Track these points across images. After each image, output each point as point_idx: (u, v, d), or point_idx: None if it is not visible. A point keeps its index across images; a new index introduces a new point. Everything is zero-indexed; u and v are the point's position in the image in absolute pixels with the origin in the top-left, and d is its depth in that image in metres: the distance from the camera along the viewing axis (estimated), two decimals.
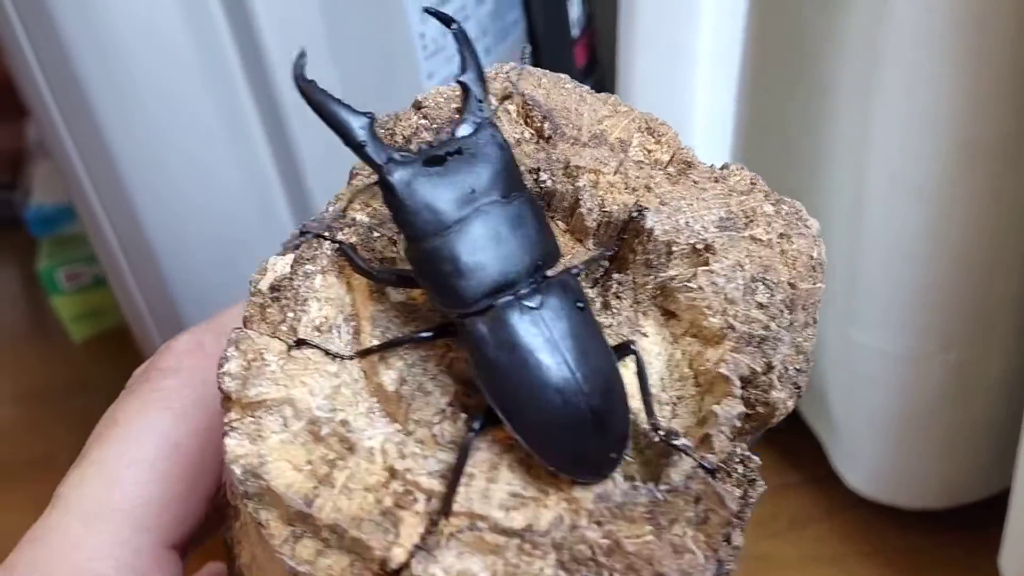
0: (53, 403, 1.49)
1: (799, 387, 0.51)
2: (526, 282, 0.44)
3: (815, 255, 0.54)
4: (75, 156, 0.86)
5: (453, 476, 0.43)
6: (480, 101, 0.45)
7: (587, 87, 0.58)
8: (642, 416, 0.48)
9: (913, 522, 1.19)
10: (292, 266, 0.48)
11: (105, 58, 0.83)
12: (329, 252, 0.49)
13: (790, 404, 0.51)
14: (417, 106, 0.54)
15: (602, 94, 0.58)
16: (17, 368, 1.62)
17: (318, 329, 0.47)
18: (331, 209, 0.51)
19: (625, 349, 0.47)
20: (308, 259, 0.49)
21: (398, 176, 0.43)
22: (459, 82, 0.46)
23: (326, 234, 0.49)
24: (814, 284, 0.53)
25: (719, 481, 0.45)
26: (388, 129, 0.54)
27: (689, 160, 0.55)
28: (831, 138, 1.06)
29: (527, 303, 0.44)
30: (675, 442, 0.46)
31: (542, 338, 0.43)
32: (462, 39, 0.46)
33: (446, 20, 0.47)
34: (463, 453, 0.43)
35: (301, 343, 0.46)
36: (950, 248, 0.99)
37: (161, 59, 0.85)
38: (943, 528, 1.18)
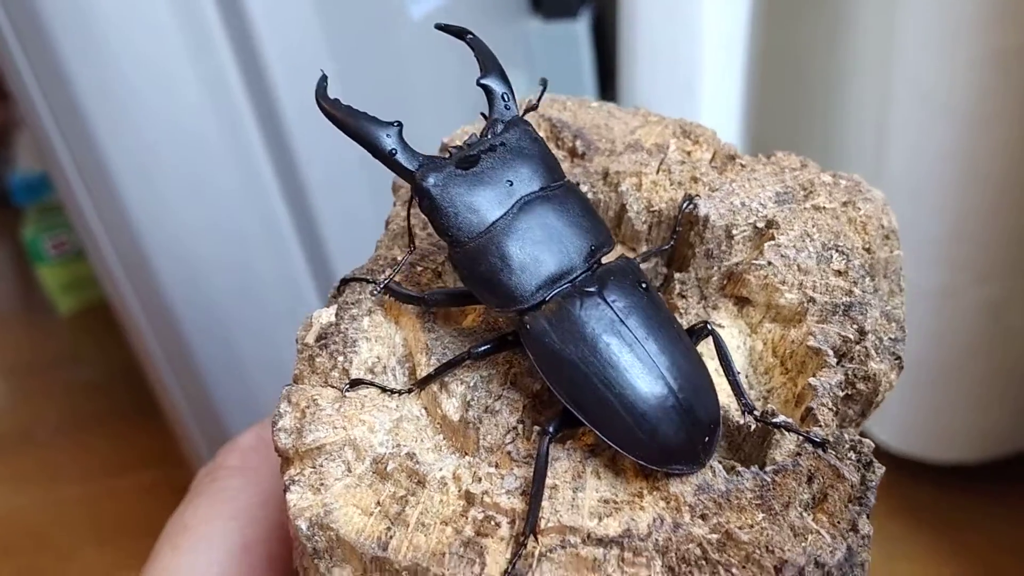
0: (40, 376, 1.48)
1: (899, 358, 0.47)
2: (582, 269, 0.41)
3: (885, 223, 0.50)
4: (52, 128, 0.84)
5: (535, 489, 0.39)
6: (506, 100, 0.44)
7: (613, 104, 0.56)
8: (732, 409, 0.44)
9: (946, 478, 1.08)
10: (337, 314, 0.46)
11: (85, 27, 0.77)
12: (374, 294, 0.47)
13: (893, 377, 0.46)
14: (444, 148, 0.53)
15: (630, 107, 0.56)
16: (3, 342, 1.61)
17: (371, 371, 0.45)
18: (372, 255, 0.49)
19: (700, 332, 0.43)
20: (353, 303, 0.47)
21: (432, 180, 0.41)
22: (481, 85, 0.45)
23: (368, 277, 0.47)
24: (891, 252, 0.49)
25: (831, 454, 0.40)
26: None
27: (732, 154, 0.53)
28: (851, 55, 0.95)
29: (586, 288, 0.41)
30: (774, 420, 0.41)
31: (606, 321, 0.40)
32: (477, 45, 0.45)
33: (459, 32, 0.46)
34: (542, 461, 0.39)
35: (355, 383, 0.44)
36: (983, 170, 0.89)
37: (141, 30, 0.79)
38: (978, 483, 1.07)
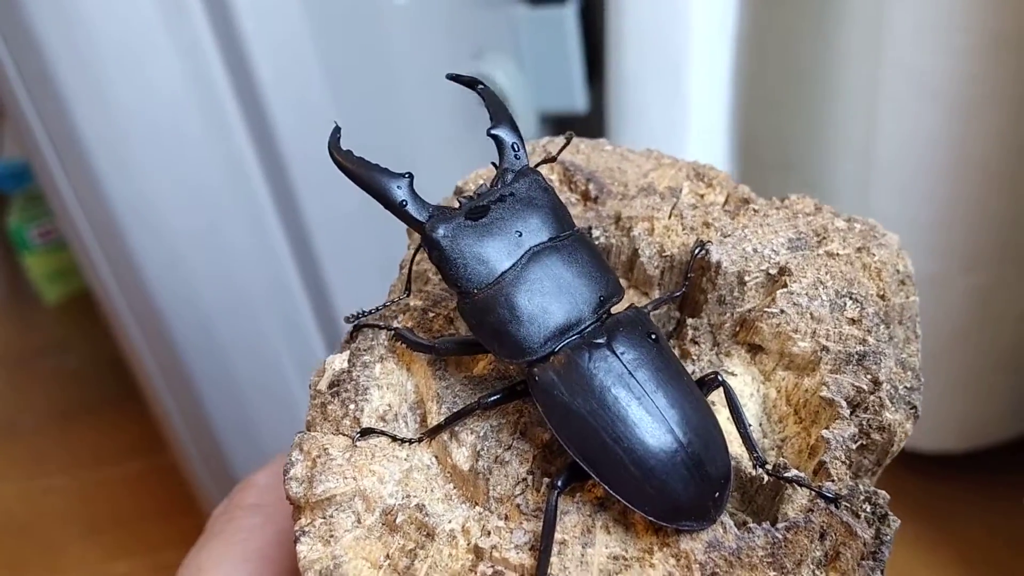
0: (26, 365, 1.47)
1: (915, 407, 0.46)
2: (590, 320, 0.41)
3: (900, 268, 0.50)
4: (32, 113, 0.82)
5: (543, 545, 0.39)
6: (516, 149, 0.44)
7: (626, 147, 0.56)
8: (744, 460, 0.43)
9: (932, 467, 1.05)
10: (349, 360, 0.47)
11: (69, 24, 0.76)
12: (386, 341, 0.47)
13: (908, 427, 0.46)
14: (458, 192, 0.53)
15: (643, 149, 0.56)
16: None
17: (383, 418, 0.45)
18: (385, 301, 0.49)
19: (711, 383, 0.43)
20: (365, 350, 0.47)
21: (442, 231, 0.42)
22: (491, 135, 0.45)
23: (381, 323, 0.48)
24: (907, 298, 0.49)
25: (843, 510, 0.40)
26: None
27: (746, 197, 0.53)
28: (840, 41, 0.93)
29: (595, 340, 0.41)
30: (786, 474, 0.41)
31: (615, 374, 0.40)
32: (488, 95, 0.45)
33: (471, 83, 0.46)
34: (551, 516, 0.39)
35: (366, 432, 0.44)
36: (972, 157, 0.87)
37: (123, 20, 0.78)
38: (964, 473, 1.06)
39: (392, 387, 0.46)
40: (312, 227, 0.90)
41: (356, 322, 0.48)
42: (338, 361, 0.47)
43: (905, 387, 0.46)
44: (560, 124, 1.28)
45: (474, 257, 0.41)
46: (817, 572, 0.39)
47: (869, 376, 0.44)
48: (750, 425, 0.42)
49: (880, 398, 0.44)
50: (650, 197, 0.52)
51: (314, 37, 0.84)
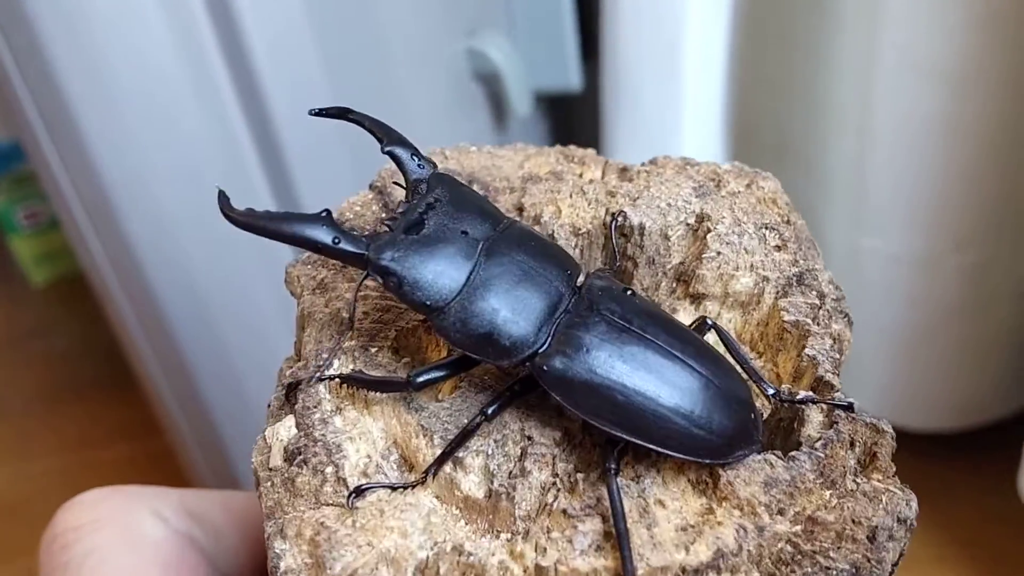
0: (14, 348, 1.44)
1: (847, 315, 0.48)
2: (569, 294, 0.39)
3: (783, 195, 0.52)
4: (25, 95, 0.80)
5: (620, 531, 0.35)
6: (416, 159, 0.41)
7: (489, 146, 0.54)
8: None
9: (923, 447, 1.05)
10: (298, 424, 0.40)
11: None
12: (330, 391, 0.41)
13: (849, 335, 0.48)
14: (371, 187, 0.49)
15: (506, 145, 0.55)
16: None
17: (364, 474, 0.39)
18: (310, 349, 0.43)
19: (700, 329, 0.42)
20: (313, 407, 0.40)
21: (389, 256, 0.37)
22: (387, 152, 0.41)
23: (320, 375, 0.41)
24: (797, 220, 0.51)
25: (863, 414, 0.40)
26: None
27: (623, 166, 0.53)
28: (836, 17, 0.88)
29: (581, 311, 0.38)
30: (800, 397, 0.41)
31: (618, 333, 0.38)
32: (362, 120, 0.42)
33: (340, 114, 0.42)
34: (618, 502, 0.36)
35: (360, 492, 0.37)
36: (967, 135, 0.86)
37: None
38: (956, 452, 1.07)
39: (363, 436, 0.40)
40: (307, 208, 0.82)
41: (289, 383, 0.41)
42: (283, 429, 0.40)
43: (834, 299, 0.48)
44: (554, 102, 1.23)
45: (433, 270, 0.38)
46: (857, 480, 0.39)
47: (814, 292, 0.45)
48: (752, 358, 0.41)
49: (828, 311, 0.45)
50: (541, 183, 0.50)
51: (309, 14, 0.83)
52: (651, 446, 0.37)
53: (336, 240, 0.37)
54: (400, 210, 0.39)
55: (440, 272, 0.37)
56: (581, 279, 0.41)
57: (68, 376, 1.38)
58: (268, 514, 0.38)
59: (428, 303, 0.37)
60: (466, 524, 0.38)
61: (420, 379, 0.38)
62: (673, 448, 0.37)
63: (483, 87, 1.07)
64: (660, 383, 0.37)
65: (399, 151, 0.41)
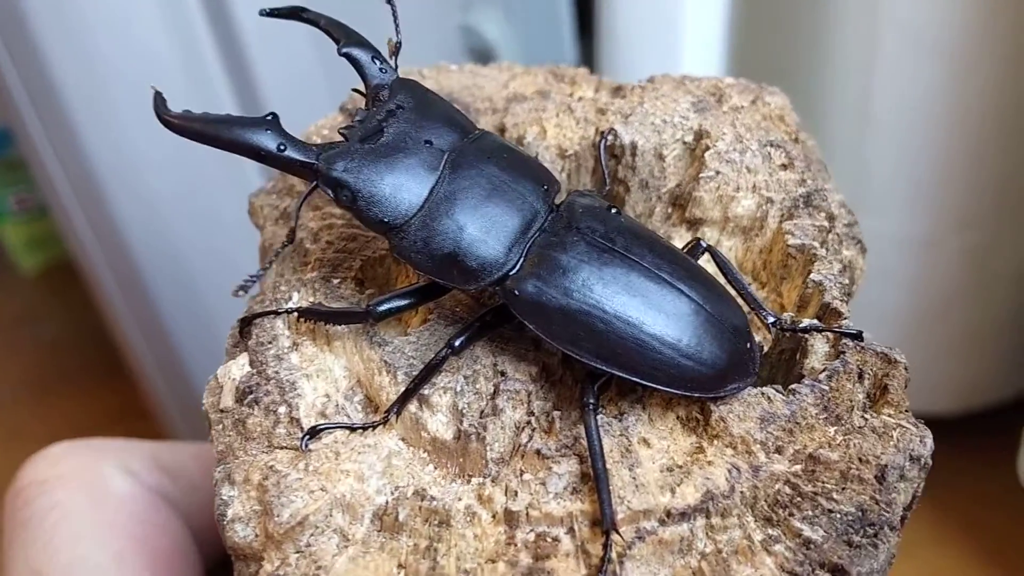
0: (3, 335, 1.43)
1: (859, 242, 0.44)
2: (545, 210, 0.35)
3: (795, 115, 0.48)
4: (15, 81, 0.79)
5: (598, 472, 0.32)
6: (378, 62, 0.37)
7: (471, 64, 0.50)
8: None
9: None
10: (252, 362, 0.37)
11: None
12: (288, 328, 0.38)
13: (862, 263, 0.44)
14: (342, 108, 0.45)
15: (491, 64, 0.51)
16: None
17: (323, 414, 0.36)
18: (268, 280, 0.40)
19: (693, 252, 0.38)
20: (268, 342, 0.37)
21: (341, 165, 0.34)
22: (344, 54, 0.37)
23: (275, 308, 0.38)
24: (808, 141, 0.47)
25: (872, 344, 0.36)
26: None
27: (617, 85, 0.48)
28: None
29: (559, 229, 0.34)
30: (802, 326, 0.37)
31: (598, 252, 0.34)
32: (317, 18, 0.38)
33: (293, 13, 0.38)
34: (596, 440, 0.32)
35: (314, 431, 0.34)
36: (969, 113, 0.84)
37: None
38: (957, 435, 0.98)
39: (322, 374, 0.36)
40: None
41: (243, 318, 0.38)
42: (236, 368, 0.37)
43: (845, 224, 0.44)
44: None
45: (391, 183, 0.34)
46: (866, 416, 0.35)
47: (823, 213, 0.41)
48: (750, 283, 0.37)
49: (838, 235, 0.41)
50: (525, 103, 0.46)
51: None
52: (634, 378, 0.33)
53: (282, 147, 0.33)
54: (358, 117, 0.36)
55: (399, 185, 0.34)
56: (562, 197, 0.37)
57: (57, 364, 1.36)
58: (219, 459, 0.35)
59: (385, 220, 0.34)
60: (435, 468, 0.35)
61: (381, 308, 0.35)
62: (659, 381, 0.33)
63: (477, 63, 1.06)
64: (645, 308, 0.33)
65: (358, 52, 0.37)
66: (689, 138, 0.43)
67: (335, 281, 0.39)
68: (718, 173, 0.42)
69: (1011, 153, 0.85)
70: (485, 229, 0.33)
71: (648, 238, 0.35)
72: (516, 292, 0.33)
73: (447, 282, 0.34)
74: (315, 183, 0.34)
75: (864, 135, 0.86)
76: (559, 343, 0.33)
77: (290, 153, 0.33)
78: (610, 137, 0.43)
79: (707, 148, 0.42)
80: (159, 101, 0.34)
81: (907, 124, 0.85)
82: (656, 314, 0.33)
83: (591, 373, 0.33)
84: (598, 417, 0.33)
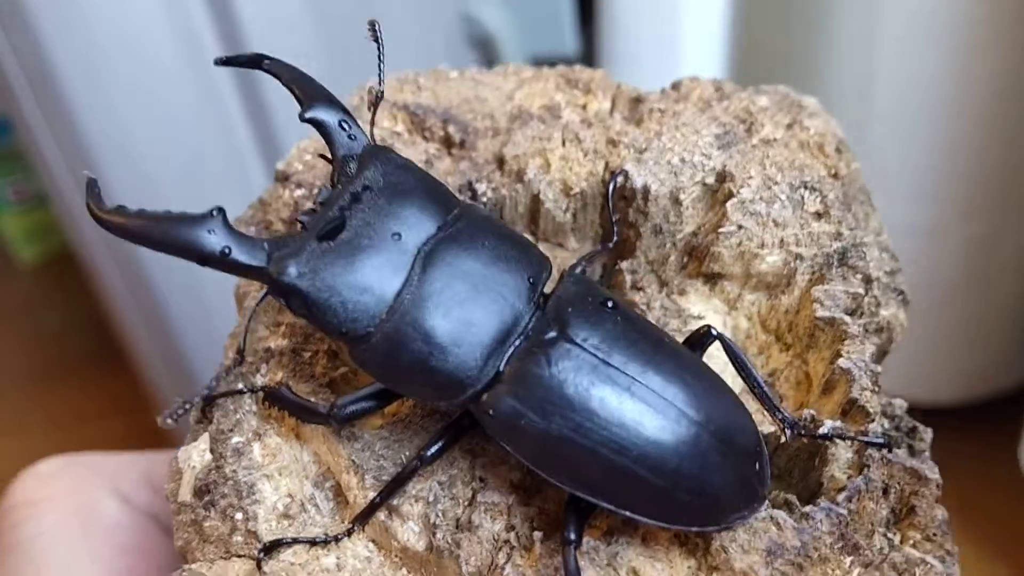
0: (3, 326, 1.44)
1: (901, 292, 0.39)
2: (529, 312, 0.30)
3: (837, 134, 0.42)
4: (15, 69, 0.79)
5: None
6: (346, 128, 0.32)
7: (474, 68, 0.45)
8: (763, 423, 0.34)
9: (927, 420, 1.03)
10: (212, 450, 0.34)
11: None
12: (254, 408, 0.34)
13: (903, 317, 0.39)
14: (281, 177, 0.40)
15: (496, 67, 0.45)
16: None
17: (286, 515, 0.33)
18: (230, 355, 0.36)
19: (703, 339, 0.33)
20: (230, 429, 0.34)
21: (294, 269, 0.29)
22: (307, 120, 0.32)
23: (241, 387, 0.35)
24: (850, 166, 0.41)
25: (901, 454, 0.32)
26: (258, 222, 0.41)
27: (636, 95, 0.43)
28: None
29: (545, 335, 0.30)
30: (823, 432, 0.32)
31: (588, 368, 0.30)
32: (281, 72, 0.32)
33: (253, 63, 0.33)
34: None
35: (272, 547, 0.31)
36: (973, 101, 0.83)
37: None
38: (960, 424, 1.02)
39: (286, 470, 0.33)
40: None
41: (205, 395, 0.35)
42: (196, 455, 0.34)
43: (886, 272, 0.39)
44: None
45: (352, 288, 0.29)
46: (888, 535, 0.31)
47: (859, 276, 0.36)
48: (765, 382, 0.33)
49: (875, 297, 0.37)
50: (529, 125, 0.41)
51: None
52: (624, 512, 0.30)
53: (227, 251, 0.29)
54: (320, 198, 0.31)
55: (360, 291, 0.29)
56: (552, 285, 0.33)
57: (58, 354, 1.36)
58: (179, 553, 0.33)
59: (344, 331, 0.29)
60: (409, 572, 0.32)
61: (345, 411, 0.31)
62: (652, 515, 0.30)
63: (478, 52, 1.02)
64: (636, 437, 0.29)
65: (323, 116, 0.32)
66: (710, 179, 0.38)
67: (306, 355, 0.35)
68: (740, 228, 0.37)
69: (1015, 142, 0.84)
70: (457, 341, 0.29)
71: (648, 345, 0.31)
72: (491, 412, 0.30)
73: (413, 397, 0.31)
74: (266, 290, 0.30)
75: (867, 123, 0.85)
76: (539, 469, 0.30)
77: (237, 256, 0.29)
78: (620, 179, 0.38)
79: (729, 194, 0.37)
80: (92, 192, 0.30)
81: (910, 113, 0.84)
82: (653, 444, 0.29)
83: (572, 498, 0.30)
84: (576, 552, 0.29)
